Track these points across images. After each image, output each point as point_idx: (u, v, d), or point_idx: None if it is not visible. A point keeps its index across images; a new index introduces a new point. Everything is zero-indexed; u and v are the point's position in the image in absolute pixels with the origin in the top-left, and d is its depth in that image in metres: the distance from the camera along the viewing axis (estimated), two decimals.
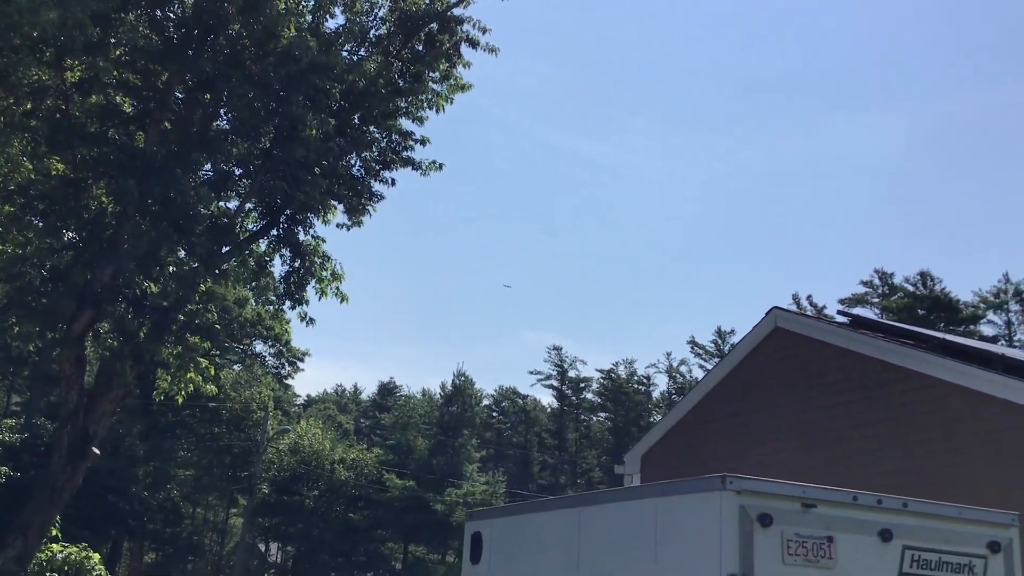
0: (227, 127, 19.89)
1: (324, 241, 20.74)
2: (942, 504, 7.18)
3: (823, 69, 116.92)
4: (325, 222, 20.38)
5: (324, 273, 20.75)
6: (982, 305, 62.51)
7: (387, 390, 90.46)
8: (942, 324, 59.93)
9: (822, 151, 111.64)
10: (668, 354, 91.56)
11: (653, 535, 6.89)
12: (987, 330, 62.74)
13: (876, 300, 63.46)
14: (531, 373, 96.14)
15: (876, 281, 64.36)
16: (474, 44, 20.47)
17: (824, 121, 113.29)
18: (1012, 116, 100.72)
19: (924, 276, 62.60)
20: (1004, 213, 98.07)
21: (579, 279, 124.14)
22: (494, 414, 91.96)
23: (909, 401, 12.45)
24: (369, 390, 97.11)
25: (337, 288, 20.90)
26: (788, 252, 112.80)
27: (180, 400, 21.76)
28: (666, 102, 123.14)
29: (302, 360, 67.40)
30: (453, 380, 67.62)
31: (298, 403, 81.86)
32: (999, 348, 14.42)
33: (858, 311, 59.79)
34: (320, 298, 20.69)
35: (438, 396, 70.10)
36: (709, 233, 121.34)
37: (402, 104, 20.52)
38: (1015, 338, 59.65)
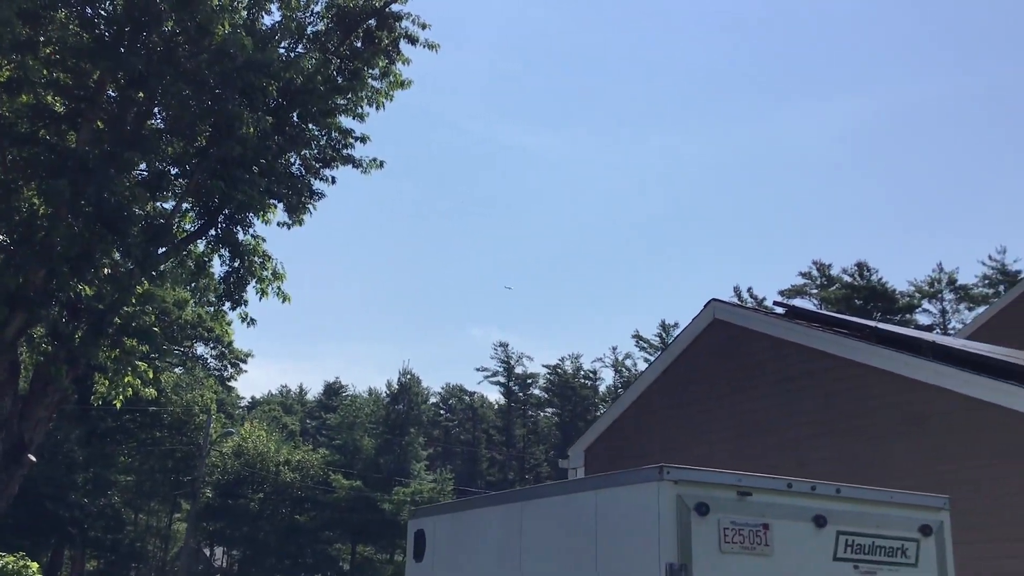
0: (162, 126, 19.56)
1: (264, 240, 20.48)
2: (875, 489, 7.30)
3: (762, 64, 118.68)
4: (265, 221, 20.15)
5: (265, 273, 20.49)
6: (917, 295, 63.99)
7: (333, 390, 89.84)
8: (879, 314, 61.22)
9: (762, 144, 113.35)
10: (614, 348, 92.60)
11: (593, 527, 6.94)
12: (922, 319, 64.22)
13: (815, 291, 64.63)
14: (478, 370, 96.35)
15: (814, 272, 65.56)
16: (413, 41, 20.41)
17: (764, 114, 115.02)
18: (945, 109, 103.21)
19: (861, 267, 63.91)
20: (938, 204, 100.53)
21: (525, 274, 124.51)
22: (441, 412, 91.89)
23: (843, 389, 12.72)
24: (315, 390, 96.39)
25: (279, 288, 20.67)
26: (731, 244, 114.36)
27: (118, 404, 21.34)
28: (608, 94, 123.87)
29: (245, 361, 66.67)
30: (399, 378, 67.46)
31: (242, 405, 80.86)
32: (929, 335, 14.78)
33: (797, 302, 60.89)
34: (261, 298, 20.45)
35: (384, 395, 69.77)
36: (653, 226, 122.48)
37: (341, 101, 20.37)
38: (949, 326, 61.09)
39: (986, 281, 61.48)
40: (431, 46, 20.37)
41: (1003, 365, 11.71)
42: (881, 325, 14.40)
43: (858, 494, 7.12)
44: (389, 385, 68.57)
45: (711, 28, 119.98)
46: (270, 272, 20.55)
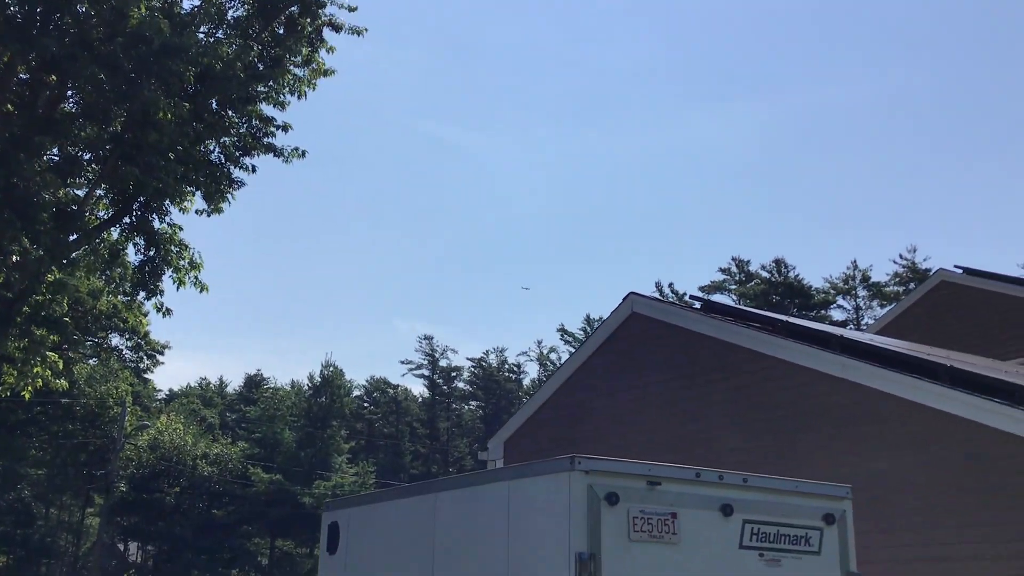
0: (75, 110, 19.03)
1: (181, 229, 20.10)
2: (780, 479, 7.46)
3: (683, 64, 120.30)
4: (183, 210, 19.75)
5: (182, 262, 20.09)
6: (832, 291, 65.65)
7: (254, 382, 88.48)
8: (795, 309, 62.65)
9: (684, 142, 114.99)
10: (539, 342, 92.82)
11: (506, 518, 6.97)
12: (837, 315, 65.90)
13: (734, 287, 65.86)
14: (402, 363, 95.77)
15: (734, 269, 66.81)
16: (337, 28, 20.17)
17: (686, 113, 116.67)
18: (859, 112, 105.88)
19: (779, 263, 65.32)
20: (853, 204, 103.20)
21: (450, 268, 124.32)
22: (365, 405, 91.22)
23: (754, 381, 13.02)
24: (235, 383, 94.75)
25: (196, 278, 20.27)
26: (654, 241, 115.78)
27: (27, 396, 20.76)
28: (533, 92, 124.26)
29: (162, 353, 65.14)
30: (321, 371, 66.68)
31: (159, 398, 79.13)
32: (838, 330, 15.19)
33: (716, 298, 61.91)
34: (178, 288, 20.06)
35: (306, 387, 68.95)
36: (578, 222, 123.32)
37: (262, 89, 20.03)
38: (863, 322, 62.79)
39: (897, 279, 63.36)
40: (356, 32, 20.17)
41: (906, 359, 12.10)
42: (792, 319, 14.76)
43: (764, 483, 7.26)
44: (311, 378, 67.77)
45: (635, 29, 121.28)
46: (187, 261, 20.16)
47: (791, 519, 7.21)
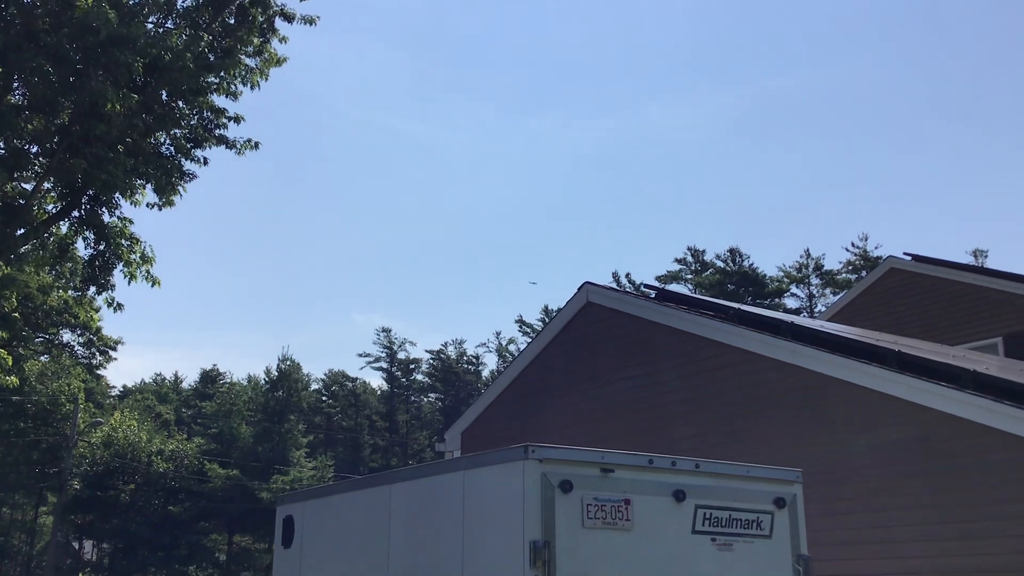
0: (21, 102, 18.66)
1: (132, 223, 19.85)
2: (731, 464, 7.54)
3: (640, 52, 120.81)
4: (134, 203, 19.50)
5: (133, 256, 19.85)
6: (786, 280, 66.52)
7: (210, 378, 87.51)
8: (750, 298, 63.38)
9: (640, 132, 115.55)
10: (498, 333, 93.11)
11: (460, 508, 6.99)
12: (791, 303, 66.79)
13: (690, 276, 66.48)
14: (360, 356, 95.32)
15: (689, 258, 67.45)
16: (289, 18, 19.99)
17: (641, 103, 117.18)
18: (812, 99, 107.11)
19: (733, 252, 66.04)
20: (807, 191, 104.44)
21: (407, 260, 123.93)
22: (323, 398, 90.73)
23: (708, 368, 13.17)
24: (191, 378, 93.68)
25: (147, 272, 20.04)
26: (611, 231, 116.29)
27: None
28: (487, 82, 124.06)
29: (115, 349, 64.13)
30: (279, 365, 66.22)
31: (113, 394, 78.06)
32: (788, 317, 15.39)
33: (673, 287, 62.41)
34: (130, 282, 19.83)
35: (263, 382, 68.41)
36: (535, 212, 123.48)
37: (213, 80, 19.80)
38: (816, 309, 63.70)
39: (849, 267, 64.30)
40: (309, 21, 19.99)
41: (855, 344, 12.31)
42: (744, 307, 14.92)
43: (716, 469, 7.32)
44: (268, 372, 67.29)
45: (589, 17, 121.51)
46: (138, 255, 19.91)
47: (742, 504, 7.29)
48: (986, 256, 63.45)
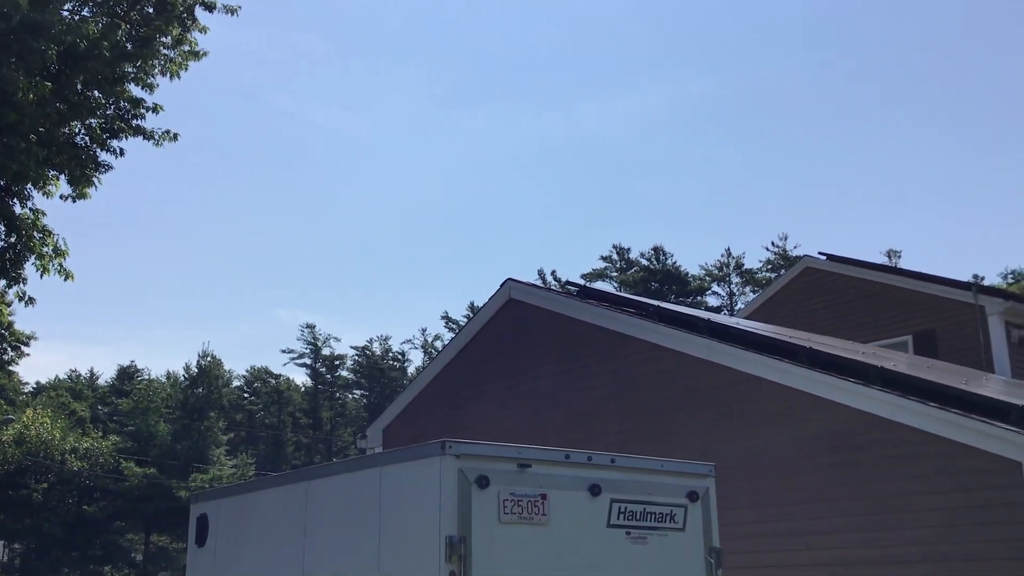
0: None
1: (45, 214, 19.29)
2: (646, 458, 7.67)
3: (574, 51, 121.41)
4: (46, 194, 18.98)
5: (45, 249, 19.31)
6: (708, 278, 67.72)
7: (127, 374, 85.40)
8: (673, 296, 64.36)
9: (568, 131, 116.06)
10: (423, 330, 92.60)
11: (377, 504, 6.99)
12: (712, 301, 68.02)
13: (615, 274, 67.22)
14: (284, 352, 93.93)
15: (615, 256, 68.20)
16: (210, 7, 19.63)
17: (569, 102, 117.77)
18: (734, 101, 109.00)
19: (657, 251, 66.99)
20: (729, 191, 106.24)
21: (332, 255, 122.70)
22: (245, 395, 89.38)
23: (629, 364, 13.36)
24: (107, 375, 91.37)
25: (61, 265, 19.52)
26: (538, 229, 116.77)
27: None
28: (416, 78, 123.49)
29: (27, 344, 62.26)
30: (199, 361, 64.99)
31: (26, 391, 75.69)
32: (706, 314, 15.68)
33: (598, 285, 63.01)
34: (42, 276, 19.27)
35: (183, 378, 67.09)
36: (462, 209, 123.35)
37: (130, 69, 19.36)
38: (736, 307, 64.93)
39: (769, 265, 65.76)
40: (230, 10, 19.66)
41: (770, 341, 12.61)
42: (664, 305, 15.16)
43: (631, 463, 7.43)
44: (188, 368, 66.01)
45: (519, 15, 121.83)
46: (51, 248, 19.37)
47: (657, 497, 7.39)
48: (900, 256, 65.51)
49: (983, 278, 54.48)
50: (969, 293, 18.68)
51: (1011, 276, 52.81)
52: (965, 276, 38.79)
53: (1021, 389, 14.23)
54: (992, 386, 13.14)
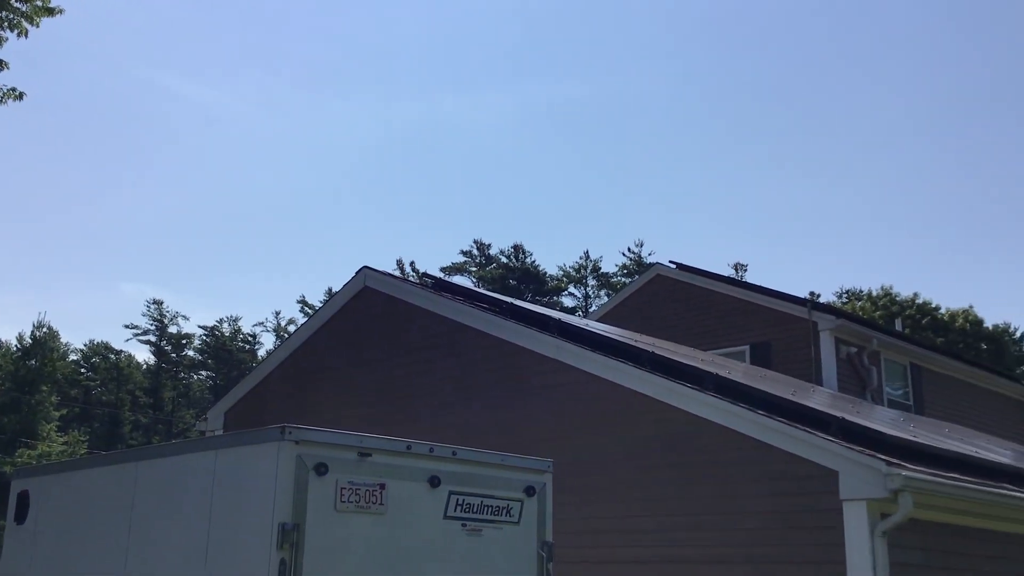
0: None
1: None
2: (487, 452, 7.78)
3: (445, 44, 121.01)
4: None
5: None
6: (565, 279, 68.93)
7: None
8: (530, 294, 65.20)
9: (434, 122, 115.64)
10: (277, 313, 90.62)
11: (210, 488, 6.86)
12: (568, 302, 69.28)
13: (474, 269, 67.54)
14: (127, 327, 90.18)
15: (475, 251, 68.54)
16: None
17: (437, 94, 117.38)
18: (598, 108, 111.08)
19: (517, 249, 67.70)
20: (589, 195, 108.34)
21: (183, 230, 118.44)
22: (83, 370, 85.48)
23: (479, 359, 13.50)
24: None
25: None
26: (398, 218, 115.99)
27: None
28: (285, 56, 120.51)
29: None
30: (33, 331, 61.71)
31: None
32: (557, 314, 16.00)
33: (457, 279, 63.23)
34: None
35: (15, 349, 63.58)
36: (320, 193, 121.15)
37: None
38: (591, 309, 66.35)
39: (625, 271, 67.52)
40: None
41: (615, 343, 12.98)
42: (516, 302, 15.37)
43: (472, 456, 7.54)
44: (20, 338, 62.60)
45: (390, 2, 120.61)
46: None
47: (495, 491, 7.53)
48: (746, 270, 68.36)
49: (819, 295, 57.55)
50: (804, 309, 19.71)
51: (845, 295, 55.87)
52: (803, 292, 40.83)
53: (844, 402, 15.14)
54: (817, 398, 13.92)
